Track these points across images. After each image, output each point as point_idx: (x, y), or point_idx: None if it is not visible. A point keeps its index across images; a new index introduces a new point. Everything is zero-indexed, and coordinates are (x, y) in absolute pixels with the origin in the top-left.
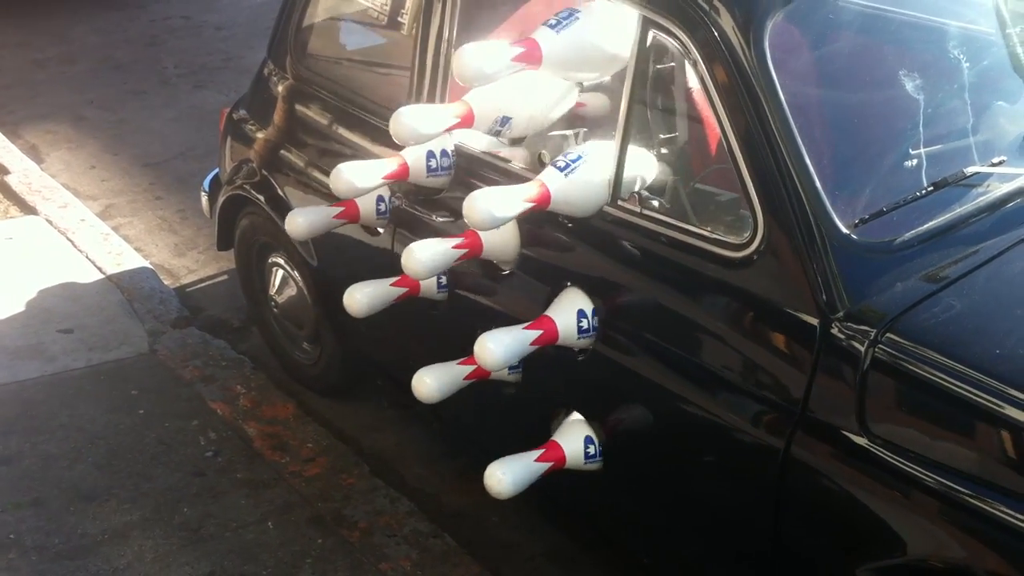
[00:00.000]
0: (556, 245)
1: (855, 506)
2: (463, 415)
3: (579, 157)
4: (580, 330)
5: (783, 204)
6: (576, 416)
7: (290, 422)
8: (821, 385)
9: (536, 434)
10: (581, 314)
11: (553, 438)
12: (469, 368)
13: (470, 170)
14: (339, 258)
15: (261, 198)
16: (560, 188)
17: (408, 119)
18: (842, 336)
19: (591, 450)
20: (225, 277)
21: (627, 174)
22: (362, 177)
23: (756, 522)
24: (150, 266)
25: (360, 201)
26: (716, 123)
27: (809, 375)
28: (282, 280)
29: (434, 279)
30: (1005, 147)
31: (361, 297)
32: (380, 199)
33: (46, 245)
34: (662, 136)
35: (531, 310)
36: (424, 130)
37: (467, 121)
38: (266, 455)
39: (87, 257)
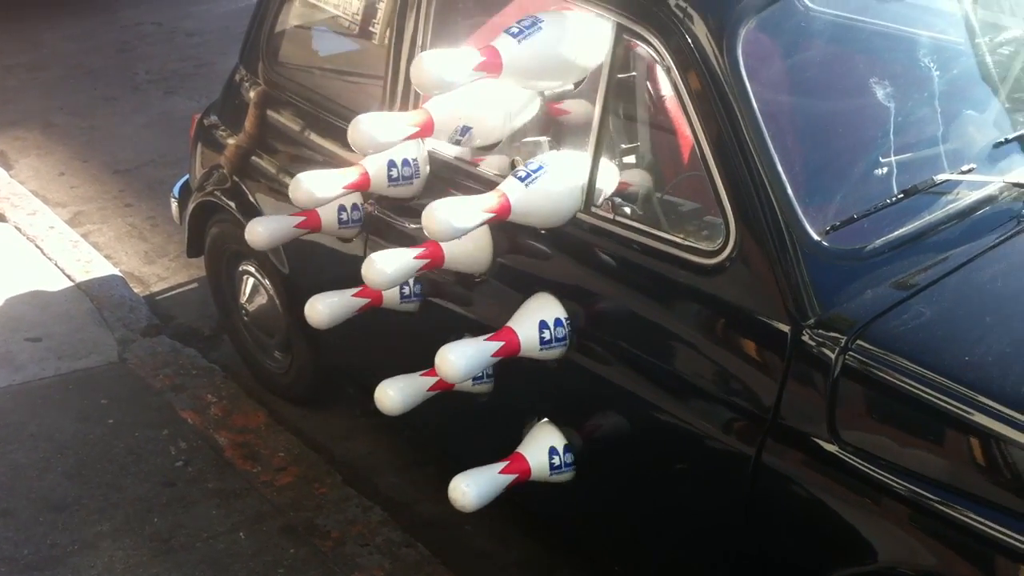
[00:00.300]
0: (530, 252)
1: (826, 513)
2: (436, 424)
3: (540, 167)
4: (542, 341)
5: (755, 211)
6: (543, 426)
7: (261, 431)
8: (792, 392)
9: (510, 443)
10: (543, 325)
11: (518, 450)
12: (432, 379)
13: (444, 177)
14: (310, 266)
15: (232, 205)
16: (520, 198)
17: (366, 127)
18: (812, 343)
19: (556, 461)
20: (195, 285)
21: (600, 181)
22: (322, 187)
23: (727, 529)
24: (120, 274)
25: (322, 211)
26: (689, 130)
27: (780, 382)
28: (252, 288)
29: (396, 290)
30: (974, 155)
31: (323, 308)
32: (342, 208)
33: (14, 253)
34: (635, 143)
35: (505, 318)
36: (382, 138)
37: (426, 130)
38: (237, 464)
39: (56, 265)
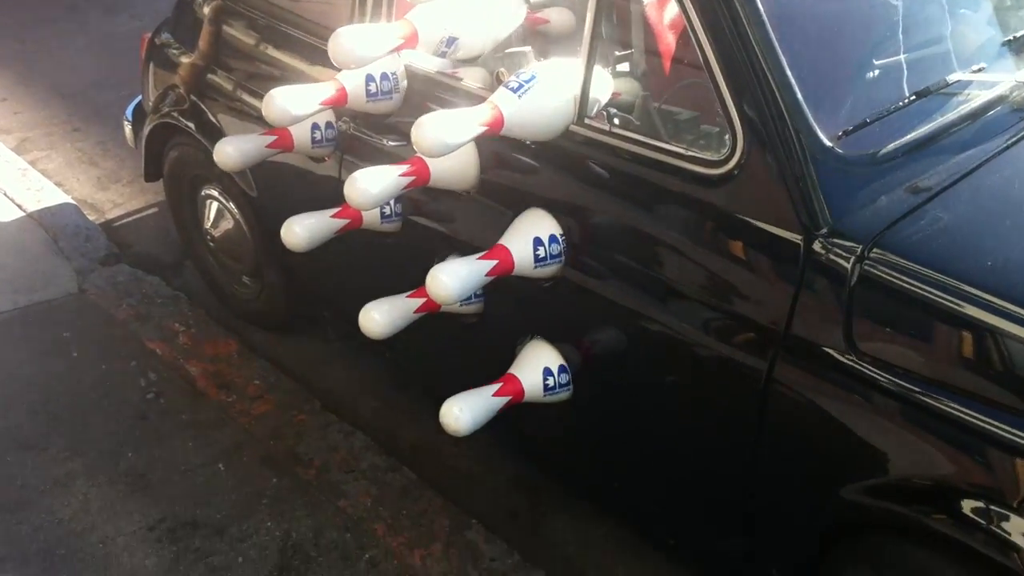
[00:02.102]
0: (519, 168)
1: (840, 426)
2: (419, 346)
3: (532, 77)
4: (537, 259)
5: (763, 117)
6: (536, 345)
7: (233, 359)
8: (805, 303)
9: (499, 364)
10: (537, 242)
11: (511, 371)
12: (419, 301)
13: (423, 91)
14: (281, 188)
15: (191, 126)
16: (514, 111)
17: (348, 41)
18: (827, 253)
19: (550, 382)
20: (152, 211)
21: (594, 91)
22: (297, 103)
23: (736, 445)
24: (73, 202)
25: (294, 129)
26: (690, 33)
27: (792, 294)
28: (217, 213)
29: (376, 210)
30: (984, 54)
31: (300, 230)
32: (315, 127)
33: None
34: (630, 50)
35: (493, 238)
36: (365, 52)
37: (411, 42)
38: (211, 395)
39: (5, 194)
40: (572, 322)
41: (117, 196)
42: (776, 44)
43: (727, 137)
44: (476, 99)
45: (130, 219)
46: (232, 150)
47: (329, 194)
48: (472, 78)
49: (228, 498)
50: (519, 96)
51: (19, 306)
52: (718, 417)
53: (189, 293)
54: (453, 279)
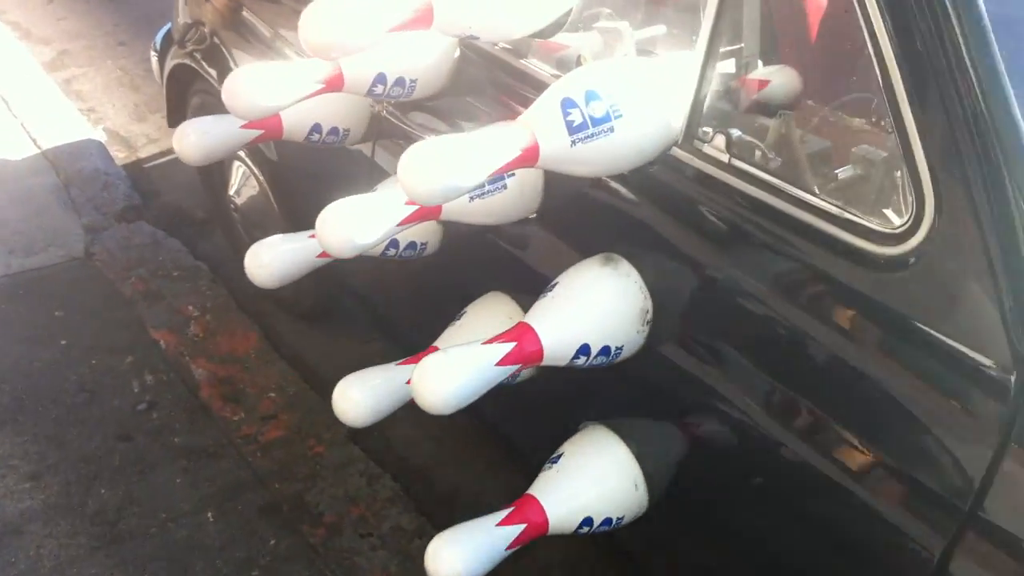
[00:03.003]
0: (595, 193)
1: None
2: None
3: (605, 117)
4: (574, 364)
5: (966, 173)
6: (589, 455)
7: (250, 360)
8: (1008, 473)
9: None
10: (583, 350)
11: (535, 495)
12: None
13: (484, 73)
14: (304, 157)
15: (212, 73)
16: (559, 152)
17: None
18: None
19: (585, 531)
20: None
21: (711, 99)
22: (270, 92)
23: None
24: (98, 139)
25: (287, 117)
26: (859, 30)
27: (990, 457)
28: (243, 177)
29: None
30: None
31: (269, 260)
32: (316, 128)
33: None
34: (761, 46)
35: (555, 266)
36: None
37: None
38: (214, 408)
39: (23, 126)
40: (651, 410)
41: (153, 129)
42: (996, 54)
43: (904, 197)
44: (544, 89)
45: (163, 160)
46: (194, 137)
47: (360, 169)
48: (548, 59)
49: (212, 564)
50: (573, 144)
51: (10, 272)
52: None
53: (213, 263)
54: (444, 386)
